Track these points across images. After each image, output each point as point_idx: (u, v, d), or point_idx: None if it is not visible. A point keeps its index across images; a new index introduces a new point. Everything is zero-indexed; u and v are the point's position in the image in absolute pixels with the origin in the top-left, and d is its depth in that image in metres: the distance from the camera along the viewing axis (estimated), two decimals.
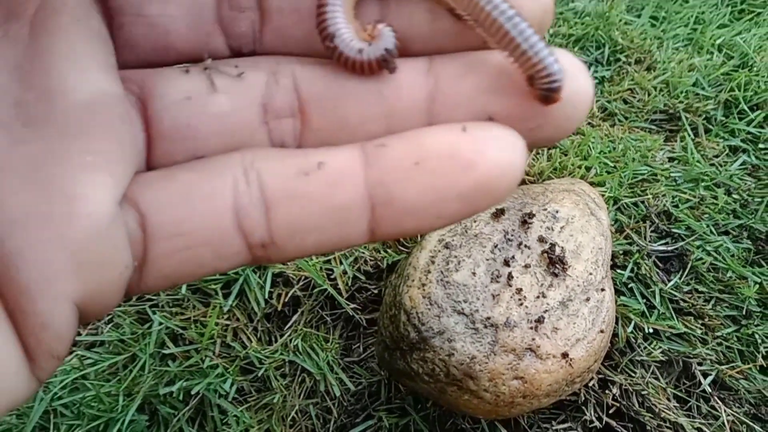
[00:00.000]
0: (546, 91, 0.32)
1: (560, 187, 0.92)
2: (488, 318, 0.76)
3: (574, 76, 0.33)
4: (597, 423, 0.85)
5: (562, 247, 0.82)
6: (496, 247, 0.82)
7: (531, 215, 0.85)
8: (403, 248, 0.98)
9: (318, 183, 0.33)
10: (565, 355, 0.76)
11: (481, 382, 0.74)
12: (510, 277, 0.79)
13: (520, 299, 0.77)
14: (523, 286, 0.79)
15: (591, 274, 0.82)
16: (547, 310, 0.77)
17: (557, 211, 0.86)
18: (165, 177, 0.34)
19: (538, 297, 0.78)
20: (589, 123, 1.12)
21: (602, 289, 0.82)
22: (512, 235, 0.83)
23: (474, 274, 0.79)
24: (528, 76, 0.32)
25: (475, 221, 0.84)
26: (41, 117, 0.30)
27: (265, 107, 0.36)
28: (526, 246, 0.82)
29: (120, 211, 0.32)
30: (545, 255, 0.81)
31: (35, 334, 0.29)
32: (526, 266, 0.80)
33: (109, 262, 0.31)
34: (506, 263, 0.80)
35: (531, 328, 0.76)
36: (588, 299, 0.80)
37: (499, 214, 0.85)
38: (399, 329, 0.78)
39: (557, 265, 0.80)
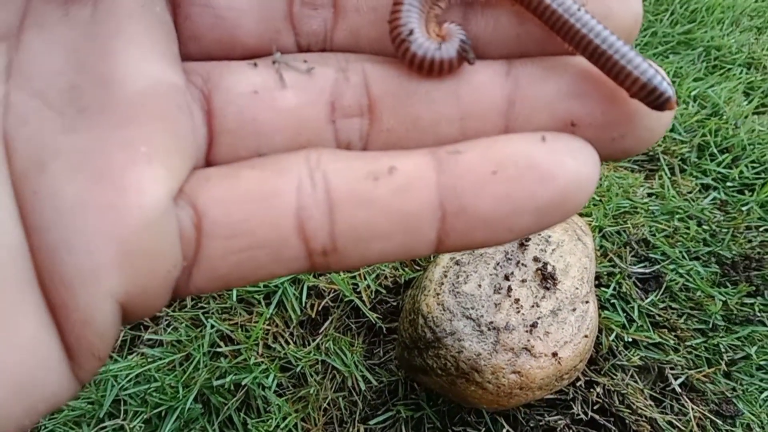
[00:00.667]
0: (658, 107, 0.31)
1: None
2: (491, 322, 0.91)
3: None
4: (583, 416, 1.00)
5: (553, 266, 0.98)
6: (498, 264, 0.98)
7: (527, 239, 1.01)
8: (418, 267, 1.14)
9: (388, 188, 0.32)
10: (555, 355, 0.91)
11: (485, 375, 0.90)
12: (509, 289, 0.94)
13: (517, 307, 0.93)
14: (520, 297, 0.94)
15: (577, 288, 0.98)
16: (540, 317, 0.93)
17: (549, 236, 1.02)
18: (226, 174, 0.33)
19: (532, 306, 0.94)
20: None
21: (587, 302, 0.98)
22: (511, 255, 0.99)
23: (480, 286, 0.95)
24: (633, 93, 0.31)
25: None
26: (96, 103, 0.30)
27: (333, 105, 0.35)
28: (523, 264, 0.98)
29: (173, 206, 0.31)
30: (539, 272, 0.97)
31: (76, 331, 0.28)
32: (523, 281, 0.96)
33: (158, 258, 0.30)
34: (506, 278, 0.96)
35: (526, 331, 0.92)
36: (574, 309, 0.96)
37: None
38: (417, 331, 0.94)
39: (549, 281, 0.96)
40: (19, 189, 0.28)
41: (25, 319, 0.27)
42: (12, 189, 0.28)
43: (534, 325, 0.92)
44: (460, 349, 0.90)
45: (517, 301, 0.94)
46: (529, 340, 0.91)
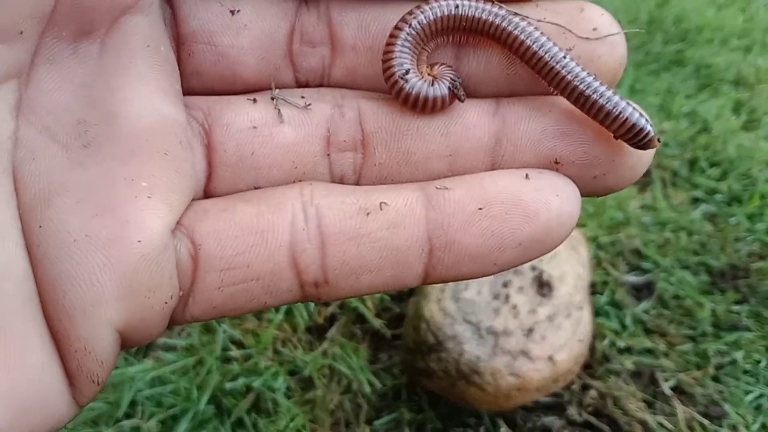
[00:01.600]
0: (640, 147, 0.33)
1: None
2: (490, 327, 0.97)
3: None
4: (578, 418, 1.04)
5: (549, 274, 1.03)
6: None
7: None
8: None
9: (379, 223, 0.34)
10: (550, 358, 0.96)
11: (485, 377, 0.95)
12: (507, 296, 1.00)
13: (515, 313, 0.98)
14: (517, 303, 1.00)
15: (572, 295, 1.03)
16: (536, 323, 0.98)
17: None
18: (223, 207, 0.34)
19: (529, 312, 0.99)
20: None
21: (581, 308, 1.03)
22: None
23: (479, 292, 1.00)
24: (618, 134, 0.33)
25: None
26: (102, 139, 0.31)
27: (329, 139, 0.36)
28: (520, 272, 1.03)
29: (172, 240, 0.32)
30: (536, 279, 1.02)
31: (77, 359, 0.29)
32: (521, 288, 1.01)
33: (156, 290, 0.31)
34: (505, 285, 1.01)
35: (524, 335, 0.97)
36: (569, 315, 1.01)
37: None
38: (420, 335, 0.99)
39: (545, 288, 1.02)
40: (26, 222, 0.29)
41: (30, 347, 0.28)
42: (20, 222, 0.29)
43: (531, 330, 0.97)
44: (461, 352, 0.95)
45: (514, 307, 0.99)
46: (526, 344, 0.96)
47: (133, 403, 1.04)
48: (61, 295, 0.29)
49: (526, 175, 0.33)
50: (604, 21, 0.34)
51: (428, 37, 0.36)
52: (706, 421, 1.06)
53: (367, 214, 0.33)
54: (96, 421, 1.03)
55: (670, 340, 1.14)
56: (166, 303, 0.31)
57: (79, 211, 0.30)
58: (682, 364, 1.12)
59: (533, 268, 1.04)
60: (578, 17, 0.35)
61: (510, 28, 0.35)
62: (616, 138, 0.33)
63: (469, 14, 0.35)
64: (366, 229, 0.33)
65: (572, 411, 1.05)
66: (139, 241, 0.30)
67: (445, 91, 0.35)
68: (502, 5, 0.36)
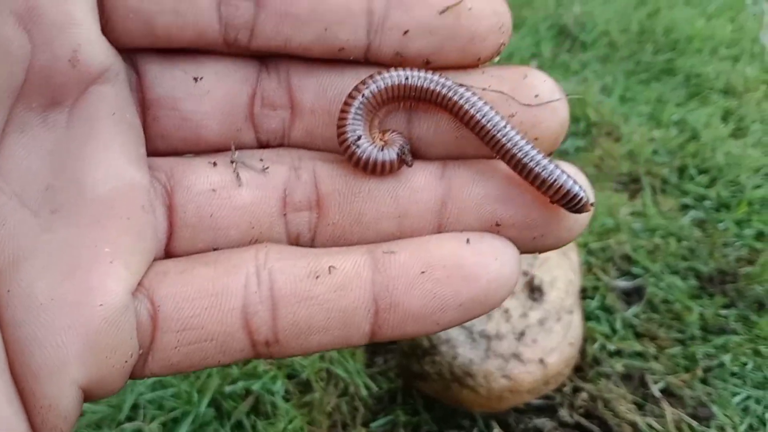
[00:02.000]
0: (575, 211, 0.35)
1: None
2: (483, 331, 0.99)
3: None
4: (569, 419, 1.07)
5: (541, 279, 1.06)
6: None
7: None
8: None
9: (327, 286, 0.35)
10: (541, 361, 0.99)
11: (477, 379, 0.97)
12: None
13: (507, 317, 1.01)
14: (510, 307, 1.02)
15: (563, 299, 1.06)
16: (528, 326, 1.01)
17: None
18: (182, 270, 0.36)
19: (521, 316, 1.02)
20: None
21: (571, 312, 1.06)
22: None
23: None
24: (553, 199, 0.35)
25: None
26: (69, 205, 0.33)
27: (285, 200, 0.38)
28: None
29: (132, 301, 0.34)
30: (527, 284, 1.05)
31: (42, 414, 0.30)
32: (513, 292, 1.04)
33: (117, 349, 0.32)
34: None
35: (515, 339, 0.99)
36: (560, 319, 1.04)
37: None
38: (415, 339, 1.02)
39: (536, 292, 1.04)
40: None
41: None
42: None
43: (522, 334, 1.00)
44: (455, 355, 0.98)
45: (506, 311, 1.01)
46: (517, 348, 0.99)
47: (135, 407, 1.07)
48: (27, 357, 0.31)
49: (468, 240, 0.35)
50: (546, 87, 0.36)
51: (379, 104, 0.38)
52: (694, 423, 1.08)
53: (317, 277, 0.35)
54: (99, 424, 1.05)
55: (660, 344, 1.17)
56: (126, 361, 0.33)
57: (46, 276, 0.31)
58: (671, 366, 1.15)
59: (525, 273, 1.06)
60: (521, 84, 0.37)
61: (455, 98, 0.37)
62: (552, 203, 0.35)
63: (418, 84, 0.37)
64: (315, 292, 0.35)
65: (563, 413, 1.07)
66: (101, 305, 0.32)
67: (394, 156, 0.37)
68: (448, 77, 0.37)
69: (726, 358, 1.16)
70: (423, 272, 0.35)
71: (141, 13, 0.35)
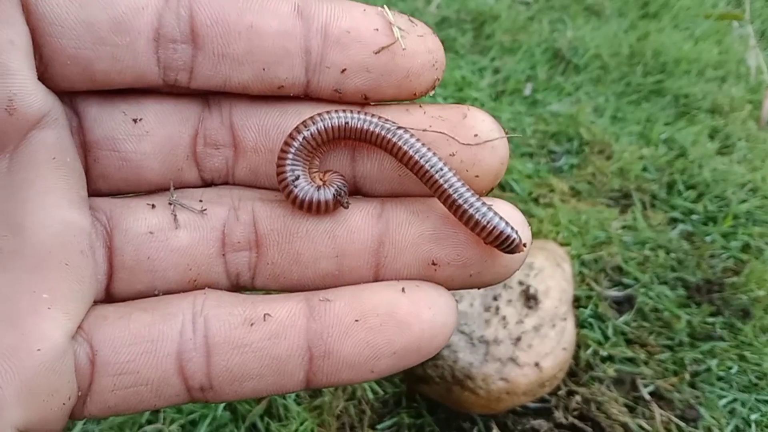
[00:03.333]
0: (508, 252, 0.36)
1: (536, 246, 1.24)
2: (482, 336, 1.06)
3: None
4: (564, 421, 1.14)
5: (536, 288, 1.13)
6: (488, 287, 1.13)
7: None
8: None
9: (261, 334, 0.36)
10: (536, 364, 1.06)
11: (477, 382, 1.04)
12: (497, 308, 1.10)
13: (504, 324, 1.08)
14: (506, 314, 1.09)
15: (557, 307, 1.13)
16: (524, 332, 1.08)
17: (533, 263, 1.18)
18: (120, 315, 0.36)
19: (517, 323, 1.09)
20: (561, 199, 1.45)
21: (565, 319, 1.13)
22: None
23: (472, 305, 1.10)
24: (486, 241, 0.36)
25: None
26: (10, 250, 0.32)
27: (224, 241, 0.38)
28: (509, 287, 1.13)
29: (71, 345, 0.34)
30: (523, 293, 1.12)
31: None
32: (509, 301, 1.11)
33: (55, 392, 0.32)
34: (494, 298, 1.11)
35: (512, 344, 1.06)
36: (554, 325, 1.11)
37: None
38: None
39: (531, 301, 1.12)
40: None
41: None
42: None
43: (519, 339, 1.07)
44: (455, 359, 1.05)
45: (504, 318, 1.08)
46: (514, 352, 1.06)
47: (155, 410, 1.14)
48: None
49: (403, 289, 0.37)
50: (485, 127, 0.37)
51: (319, 145, 0.39)
52: (682, 424, 1.15)
53: (252, 324, 0.36)
54: (121, 427, 1.12)
55: (650, 350, 1.24)
56: (64, 404, 0.34)
57: None
58: (661, 371, 1.22)
59: (521, 283, 1.14)
60: (461, 124, 0.38)
61: (394, 139, 0.38)
62: (486, 243, 0.37)
63: (357, 126, 0.39)
64: (249, 339, 0.36)
65: (558, 414, 1.14)
66: (38, 350, 0.32)
67: (330, 196, 0.38)
68: (387, 119, 0.39)
69: (713, 363, 1.23)
70: (357, 320, 0.36)
71: (79, 59, 0.36)
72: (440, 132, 0.38)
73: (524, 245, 0.37)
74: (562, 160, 1.53)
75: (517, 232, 0.37)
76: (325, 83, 0.39)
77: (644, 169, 1.53)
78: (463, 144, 0.38)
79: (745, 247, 1.42)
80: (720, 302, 1.32)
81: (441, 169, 0.37)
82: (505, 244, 0.37)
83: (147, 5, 0.36)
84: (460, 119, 0.38)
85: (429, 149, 0.38)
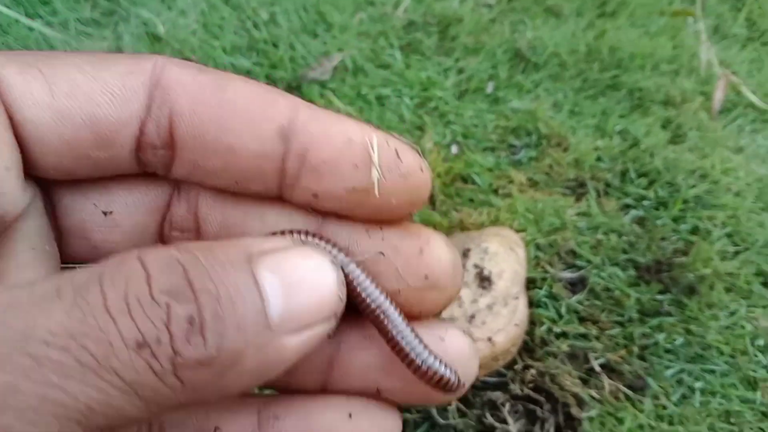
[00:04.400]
0: (446, 392, 0.36)
1: (492, 232, 1.33)
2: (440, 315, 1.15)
3: (462, 364, 0.37)
4: (519, 392, 1.22)
5: (490, 270, 1.22)
6: None
7: (469, 250, 1.25)
8: None
9: None
10: (489, 339, 1.14)
11: None
12: None
13: (460, 303, 1.16)
14: (462, 295, 1.18)
15: (509, 288, 1.21)
16: (477, 311, 1.16)
17: (488, 247, 1.26)
18: None
19: (472, 302, 1.17)
20: (519, 190, 1.54)
21: (517, 298, 1.21)
22: None
23: None
24: (425, 382, 0.36)
25: None
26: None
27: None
28: (465, 270, 1.22)
29: None
30: (478, 275, 1.21)
31: None
32: (465, 283, 1.20)
33: None
34: None
35: (467, 321, 1.15)
36: (507, 304, 1.19)
37: None
38: None
39: (485, 282, 1.20)
40: None
41: None
42: None
43: (473, 317, 1.15)
44: None
45: (459, 299, 1.17)
46: (469, 329, 1.14)
47: None
48: None
49: (350, 414, 0.37)
50: (439, 269, 0.36)
51: None
52: (630, 393, 1.23)
53: None
54: None
55: (601, 326, 1.32)
56: None
57: None
58: (612, 345, 1.30)
59: (476, 266, 1.22)
60: (415, 261, 0.37)
61: (346, 271, 0.37)
62: (425, 384, 0.36)
63: None
64: None
65: (514, 387, 1.22)
66: None
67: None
68: (340, 245, 0.38)
69: (660, 336, 1.32)
70: None
71: (60, 169, 0.37)
72: (394, 266, 0.37)
73: (463, 385, 0.37)
74: (521, 153, 1.62)
75: (456, 373, 0.36)
76: (297, 200, 0.39)
77: (599, 160, 1.62)
78: (412, 285, 0.37)
79: (694, 230, 1.51)
80: (668, 281, 1.40)
81: (382, 305, 0.36)
82: (446, 387, 0.36)
83: (130, 120, 0.37)
84: (415, 254, 0.37)
85: (372, 282, 0.37)
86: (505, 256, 1.26)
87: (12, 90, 0.34)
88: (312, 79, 1.69)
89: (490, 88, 1.77)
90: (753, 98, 1.82)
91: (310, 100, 1.63)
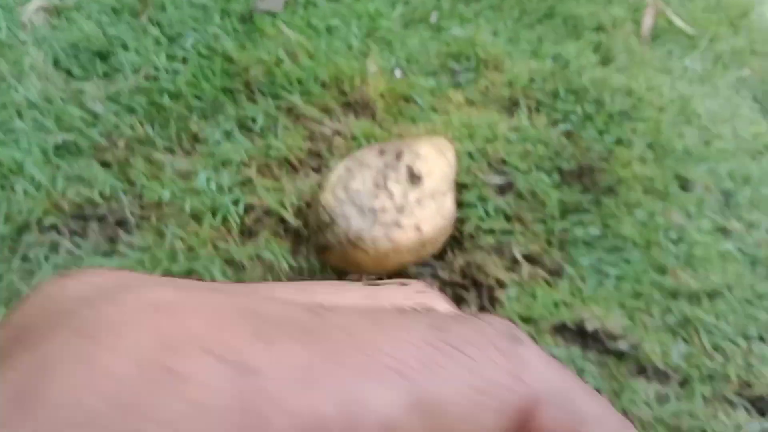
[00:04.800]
0: None
1: (425, 140, 1.45)
2: (371, 207, 1.27)
3: None
4: (448, 279, 1.36)
5: (419, 170, 1.34)
6: (379, 170, 1.34)
7: (402, 152, 1.38)
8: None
9: None
10: (417, 227, 1.27)
11: (367, 243, 1.25)
12: (386, 185, 1.31)
13: (390, 196, 1.29)
14: (393, 190, 1.30)
15: (437, 185, 1.34)
16: (407, 203, 1.29)
17: (419, 151, 1.39)
18: None
19: (402, 196, 1.30)
20: (456, 108, 1.66)
21: (444, 195, 1.34)
22: (389, 164, 1.35)
23: (364, 183, 1.31)
24: None
25: (365, 156, 1.37)
26: None
27: None
28: (397, 168, 1.34)
29: None
30: (408, 172, 1.33)
31: None
32: (397, 180, 1.32)
33: None
34: (384, 178, 1.32)
35: (396, 212, 1.28)
36: (434, 198, 1.32)
37: (382, 152, 1.38)
38: (319, 216, 1.30)
39: (415, 179, 1.33)
40: None
41: None
42: None
43: (402, 208, 1.28)
44: (348, 226, 1.26)
45: (390, 192, 1.30)
46: (398, 218, 1.27)
47: None
48: None
49: None
50: None
51: None
52: (548, 277, 1.38)
53: None
54: None
55: (525, 224, 1.46)
56: None
57: None
58: (534, 239, 1.44)
59: (407, 167, 1.35)
60: None
61: None
62: None
63: None
64: None
65: (443, 273, 1.36)
66: None
67: None
68: None
69: (579, 231, 1.45)
70: None
71: None
72: None
73: None
74: (460, 76, 1.73)
75: None
76: None
77: (532, 80, 1.74)
78: None
79: (618, 141, 1.64)
80: (589, 183, 1.54)
81: None
82: None
83: None
84: None
85: None
86: (435, 158, 1.38)
87: None
88: (263, 10, 1.79)
89: (434, 17, 1.87)
90: (681, 24, 1.94)
91: (262, 30, 1.73)
